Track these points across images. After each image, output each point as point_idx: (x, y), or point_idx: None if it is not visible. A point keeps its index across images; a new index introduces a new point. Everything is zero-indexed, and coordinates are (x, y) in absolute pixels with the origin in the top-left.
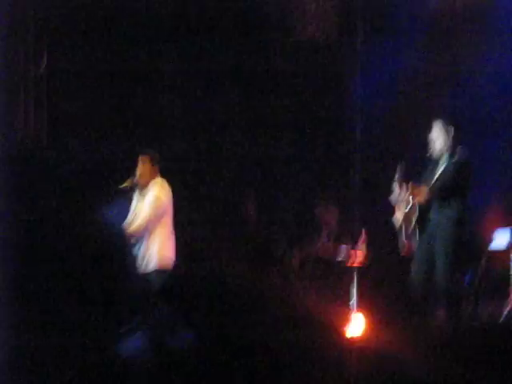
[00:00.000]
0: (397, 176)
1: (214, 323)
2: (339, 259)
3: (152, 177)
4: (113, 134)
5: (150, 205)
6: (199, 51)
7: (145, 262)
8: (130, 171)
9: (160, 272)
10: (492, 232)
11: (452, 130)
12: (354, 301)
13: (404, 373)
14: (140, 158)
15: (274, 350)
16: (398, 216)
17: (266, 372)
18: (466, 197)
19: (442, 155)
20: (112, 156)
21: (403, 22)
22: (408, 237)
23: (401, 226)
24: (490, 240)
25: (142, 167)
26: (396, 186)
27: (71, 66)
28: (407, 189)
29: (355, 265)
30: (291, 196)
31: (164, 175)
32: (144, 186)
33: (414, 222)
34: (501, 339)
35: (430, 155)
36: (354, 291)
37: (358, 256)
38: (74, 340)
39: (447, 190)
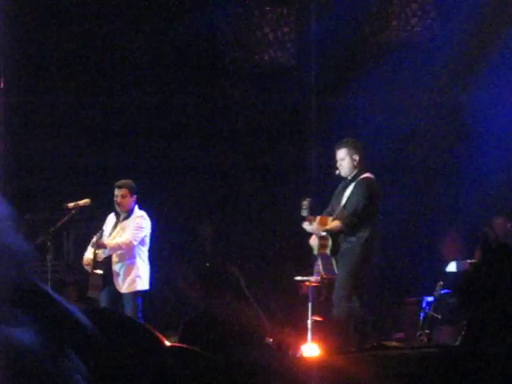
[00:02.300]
0: (303, 212)
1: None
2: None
3: (132, 205)
4: None
5: (138, 225)
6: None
7: (125, 282)
8: None
9: (138, 294)
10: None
11: (357, 151)
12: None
13: None
14: (119, 191)
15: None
16: (313, 244)
17: None
18: (374, 218)
19: (349, 176)
20: None
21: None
22: (326, 268)
23: (316, 257)
24: (447, 262)
25: (122, 199)
26: (305, 223)
27: None
28: (316, 222)
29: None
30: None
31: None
32: (125, 213)
33: (329, 253)
34: (457, 363)
35: (339, 175)
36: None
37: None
38: None
39: (356, 212)
